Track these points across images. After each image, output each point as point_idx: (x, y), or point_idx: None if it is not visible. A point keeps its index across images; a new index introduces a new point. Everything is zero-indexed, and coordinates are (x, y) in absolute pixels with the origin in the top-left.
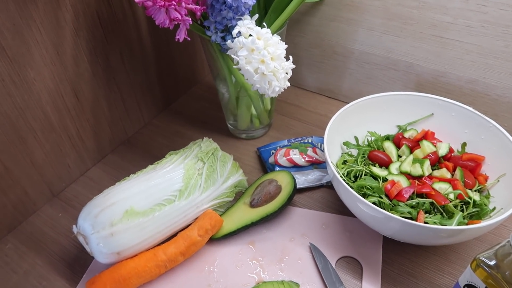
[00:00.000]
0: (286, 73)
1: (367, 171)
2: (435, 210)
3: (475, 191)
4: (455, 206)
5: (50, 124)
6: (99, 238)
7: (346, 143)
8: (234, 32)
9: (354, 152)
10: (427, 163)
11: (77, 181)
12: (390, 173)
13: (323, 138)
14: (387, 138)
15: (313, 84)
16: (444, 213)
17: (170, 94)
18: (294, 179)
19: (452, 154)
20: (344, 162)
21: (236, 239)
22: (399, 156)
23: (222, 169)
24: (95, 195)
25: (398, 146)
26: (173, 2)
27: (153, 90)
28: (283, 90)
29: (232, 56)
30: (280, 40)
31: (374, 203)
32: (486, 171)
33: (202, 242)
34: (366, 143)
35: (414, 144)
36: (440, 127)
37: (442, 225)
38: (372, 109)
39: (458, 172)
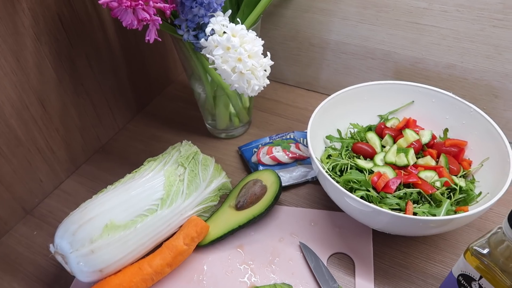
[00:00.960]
0: (265, 70)
1: (352, 164)
2: (423, 199)
3: (460, 177)
4: (442, 194)
5: (16, 137)
6: (79, 256)
7: (329, 137)
8: (207, 30)
9: (338, 145)
10: (411, 152)
11: (51, 196)
12: (375, 164)
13: (305, 132)
14: (370, 128)
15: (291, 77)
16: (431, 202)
17: (143, 96)
18: (279, 177)
19: (435, 141)
20: (329, 156)
21: (223, 244)
22: (383, 147)
23: (204, 173)
24: (71, 209)
25: (381, 136)
26: (140, 1)
27: (125, 93)
28: (262, 88)
29: (207, 55)
30: (256, 35)
31: (362, 197)
32: (469, 156)
33: (189, 251)
34: (349, 135)
35: (397, 133)
36: (421, 114)
37: (431, 214)
38: (352, 100)
39: (442, 159)
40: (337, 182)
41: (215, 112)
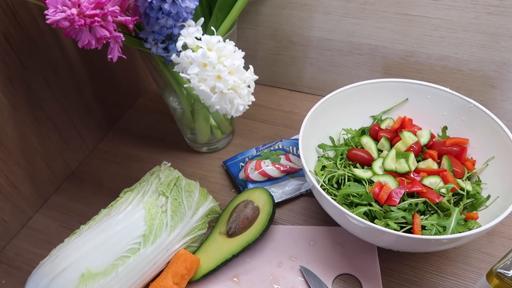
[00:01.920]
0: (249, 87)
1: (350, 174)
2: (429, 208)
3: (466, 179)
4: (449, 201)
5: None
6: None
7: (321, 146)
8: (179, 44)
9: (332, 154)
10: (411, 157)
11: (18, 236)
12: (374, 173)
13: (293, 140)
14: (363, 132)
15: (272, 78)
16: (439, 211)
17: (113, 111)
18: (271, 196)
19: (434, 140)
20: (323, 167)
21: (217, 276)
22: (380, 151)
23: (189, 200)
24: (42, 249)
25: (376, 139)
26: (96, 18)
27: (92, 111)
28: (247, 107)
29: (181, 74)
30: (235, 46)
31: (364, 213)
32: (472, 155)
33: None
34: (342, 142)
35: (393, 135)
36: (417, 112)
37: (440, 226)
38: (342, 103)
39: (445, 162)
40: (335, 196)
41: (194, 126)
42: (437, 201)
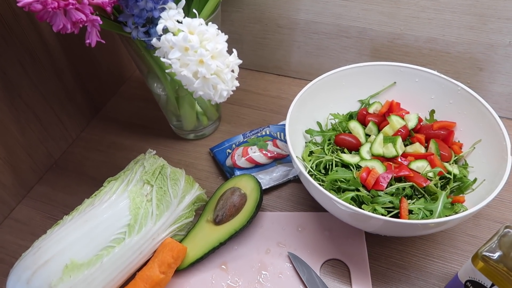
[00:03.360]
0: (233, 71)
1: (337, 160)
2: (417, 192)
3: (453, 163)
4: (436, 185)
5: None
6: None
7: (308, 131)
8: (159, 28)
9: (319, 139)
10: (399, 141)
11: (1, 228)
12: (362, 158)
13: (280, 126)
14: (351, 116)
15: (259, 63)
16: (426, 195)
17: (96, 98)
18: (259, 183)
19: (422, 124)
20: (310, 153)
21: (205, 264)
22: (367, 135)
23: (175, 188)
24: (26, 240)
25: (364, 124)
26: (71, 1)
27: (74, 98)
28: (232, 93)
29: (162, 59)
30: (218, 29)
31: (352, 198)
32: (459, 138)
33: (167, 279)
34: (329, 127)
35: (381, 119)
36: (405, 95)
37: (427, 210)
38: (330, 88)
39: (432, 146)
40: (323, 181)
41: (180, 113)
42: (424, 185)
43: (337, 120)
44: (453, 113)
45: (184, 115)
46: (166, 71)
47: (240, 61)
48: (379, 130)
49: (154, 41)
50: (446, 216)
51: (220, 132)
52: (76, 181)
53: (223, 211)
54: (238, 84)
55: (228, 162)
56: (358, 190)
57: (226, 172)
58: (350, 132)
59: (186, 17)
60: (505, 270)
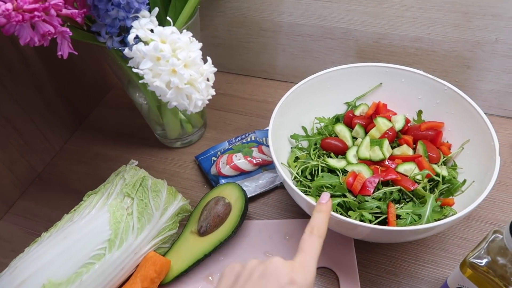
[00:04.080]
0: (208, 80)
1: (323, 165)
2: (405, 196)
3: (441, 164)
4: (424, 188)
5: None
6: None
7: (294, 136)
8: (130, 37)
9: (305, 144)
10: (386, 144)
11: None
12: (348, 162)
13: (266, 131)
14: (337, 119)
15: (245, 67)
16: (414, 198)
17: (80, 109)
18: (243, 191)
19: (409, 125)
20: (296, 158)
21: (190, 276)
22: (354, 138)
23: (156, 200)
24: (7, 258)
25: (351, 126)
26: (37, 13)
27: (56, 110)
28: (207, 102)
29: (134, 70)
30: (192, 36)
31: (338, 204)
32: (447, 139)
33: None
34: (315, 131)
35: (368, 121)
36: (391, 96)
37: (415, 214)
38: (315, 91)
39: (420, 147)
40: (309, 188)
41: (163, 122)
42: (412, 188)
43: (322, 124)
44: (441, 113)
45: (168, 124)
46: (139, 81)
47: (215, 69)
48: (366, 132)
49: (126, 51)
50: (436, 220)
51: (205, 139)
52: (60, 195)
53: (207, 222)
54: (214, 93)
55: (213, 170)
56: (345, 196)
57: (211, 181)
58: (336, 136)
59: (159, 26)
60: (494, 277)
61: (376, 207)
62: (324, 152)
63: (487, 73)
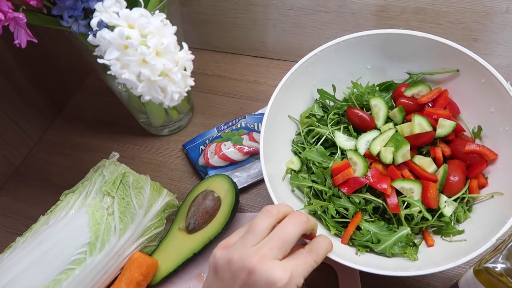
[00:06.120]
0: (185, 69)
1: (329, 137)
2: (385, 214)
3: (457, 199)
4: (410, 216)
5: None
6: None
7: (320, 92)
8: (93, 22)
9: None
10: (404, 150)
11: None
12: (355, 147)
13: (258, 116)
14: (387, 87)
15: (233, 45)
16: (394, 219)
17: (57, 96)
18: (234, 184)
19: (463, 134)
20: (311, 115)
21: (180, 276)
22: (389, 120)
23: (139, 198)
24: None
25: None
26: None
27: (31, 99)
28: (185, 95)
29: (99, 61)
30: (167, 18)
31: (309, 188)
32: (489, 175)
33: None
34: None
35: (416, 108)
36: (465, 92)
37: (376, 236)
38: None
39: (441, 170)
40: (299, 153)
41: (146, 110)
42: (392, 212)
43: (356, 91)
44: (502, 142)
45: (151, 111)
46: (107, 73)
47: (193, 57)
48: (404, 121)
49: (90, 38)
50: (392, 253)
51: (193, 125)
52: (39, 190)
53: (195, 219)
54: (192, 83)
55: (201, 161)
56: (315, 183)
57: (200, 172)
58: (369, 110)
59: (126, 8)
60: (510, 283)
61: (344, 208)
62: (346, 121)
63: (496, 46)
